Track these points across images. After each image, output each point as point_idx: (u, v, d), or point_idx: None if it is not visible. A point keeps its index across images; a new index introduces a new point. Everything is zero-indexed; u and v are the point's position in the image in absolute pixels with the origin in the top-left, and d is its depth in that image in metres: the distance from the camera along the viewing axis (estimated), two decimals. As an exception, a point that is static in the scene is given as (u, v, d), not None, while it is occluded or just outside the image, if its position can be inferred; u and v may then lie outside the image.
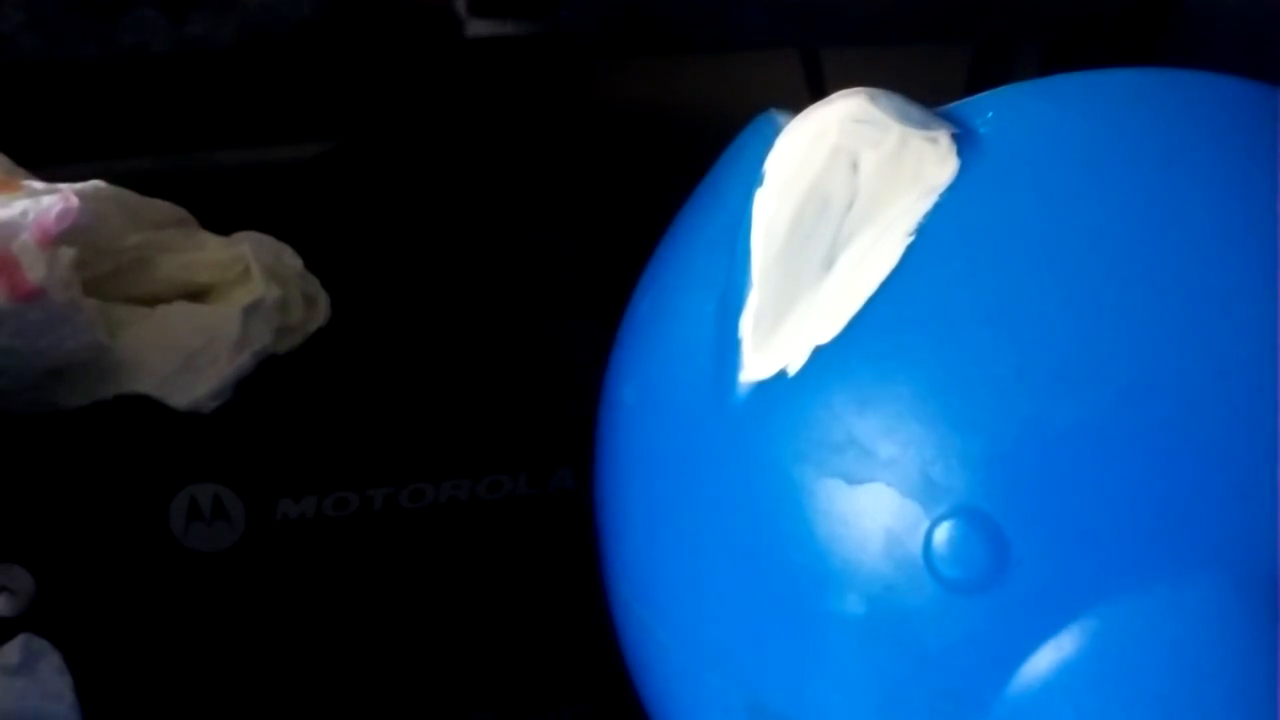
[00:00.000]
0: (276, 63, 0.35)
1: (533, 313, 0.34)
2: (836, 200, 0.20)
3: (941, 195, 0.20)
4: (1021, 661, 0.18)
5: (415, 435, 0.30)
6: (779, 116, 0.23)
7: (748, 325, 0.21)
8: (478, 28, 0.34)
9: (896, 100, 0.21)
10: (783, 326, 0.20)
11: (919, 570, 0.18)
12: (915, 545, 0.18)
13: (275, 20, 0.32)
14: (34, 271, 0.25)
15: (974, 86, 0.22)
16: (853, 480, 0.19)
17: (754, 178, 0.21)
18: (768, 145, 0.22)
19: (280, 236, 0.31)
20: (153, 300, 0.29)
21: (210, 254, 0.30)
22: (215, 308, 0.29)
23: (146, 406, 0.28)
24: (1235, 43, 0.36)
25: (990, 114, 0.21)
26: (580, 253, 0.36)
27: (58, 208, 0.26)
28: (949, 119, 0.21)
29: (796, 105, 0.22)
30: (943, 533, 0.18)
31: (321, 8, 0.33)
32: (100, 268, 0.28)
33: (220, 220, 0.31)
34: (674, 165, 0.26)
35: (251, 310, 0.29)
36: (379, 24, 0.32)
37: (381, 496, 0.29)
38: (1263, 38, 0.35)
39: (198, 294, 0.30)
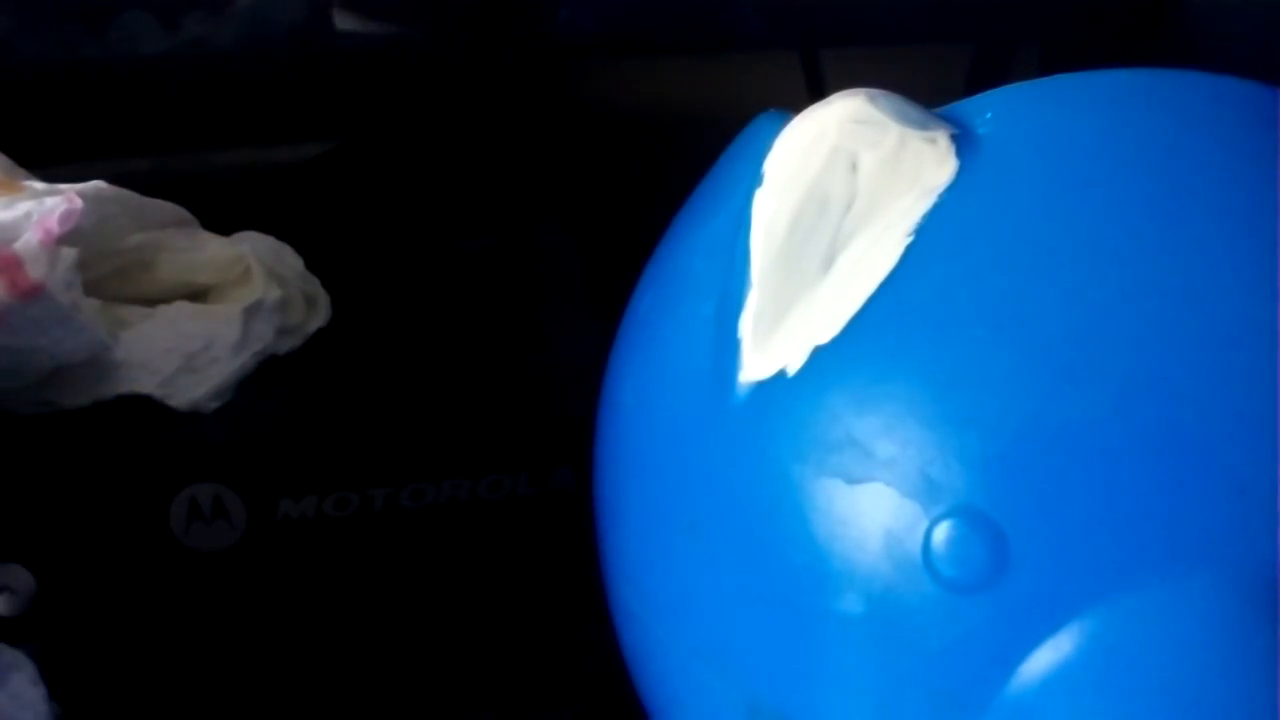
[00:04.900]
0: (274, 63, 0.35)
1: (533, 313, 0.34)
2: (836, 201, 0.20)
3: (940, 196, 0.20)
4: (1020, 661, 0.18)
5: (415, 435, 0.30)
6: (779, 116, 0.23)
7: (747, 325, 0.21)
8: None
9: (896, 101, 0.21)
10: (782, 327, 0.20)
11: (918, 570, 0.18)
12: (914, 545, 0.18)
13: (269, 23, 0.32)
14: (35, 269, 0.25)
15: (974, 86, 0.22)
16: (852, 480, 0.19)
17: (754, 178, 0.21)
18: (767, 145, 0.22)
19: (280, 236, 0.31)
20: (154, 300, 0.29)
21: (211, 254, 0.30)
22: (216, 308, 0.29)
23: (147, 406, 0.28)
24: (1235, 43, 0.36)
25: (990, 114, 0.21)
26: (580, 253, 0.36)
27: (61, 208, 0.26)
28: (949, 119, 0.21)
29: (796, 105, 0.22)
30: (942, 532, 0.18)
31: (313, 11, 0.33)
32: (102, 268, 0.28)
33: (221, 220, 0.31)
34: (674, 165, 0.26)
35: (252, 310, 0.29)
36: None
37: (382, 496, 0.29)
38: (1263, 38, 0.35)
39: (198, 294, 0.30)
